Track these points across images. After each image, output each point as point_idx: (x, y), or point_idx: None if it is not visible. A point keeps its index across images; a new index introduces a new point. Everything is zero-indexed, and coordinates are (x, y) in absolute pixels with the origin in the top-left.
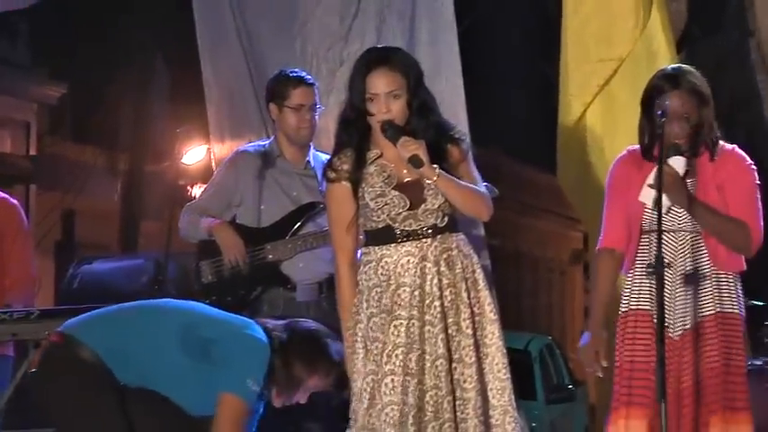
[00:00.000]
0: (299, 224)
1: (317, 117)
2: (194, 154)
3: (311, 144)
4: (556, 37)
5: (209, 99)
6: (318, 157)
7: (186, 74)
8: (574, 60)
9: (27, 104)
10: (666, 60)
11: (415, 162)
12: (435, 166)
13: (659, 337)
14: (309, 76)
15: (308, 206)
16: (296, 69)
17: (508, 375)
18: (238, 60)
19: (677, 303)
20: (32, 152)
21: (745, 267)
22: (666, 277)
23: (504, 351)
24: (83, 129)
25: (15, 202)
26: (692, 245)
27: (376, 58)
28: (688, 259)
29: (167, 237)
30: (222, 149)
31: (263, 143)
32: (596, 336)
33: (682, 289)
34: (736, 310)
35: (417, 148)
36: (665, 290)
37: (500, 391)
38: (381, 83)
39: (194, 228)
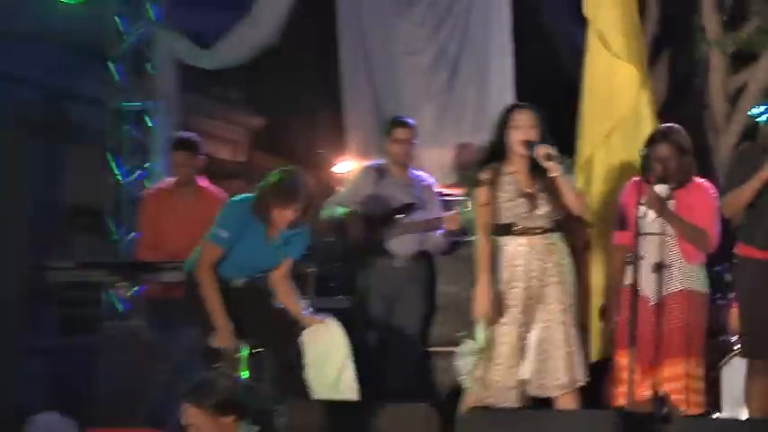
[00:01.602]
0: (400, 216)
1: (413, 149)
2: (342, 166)
3: (409, 164)
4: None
5: (350, 127)
6: (415, 173)
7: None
8: (589, 115)
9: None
10: (648, 118)
11: (548, 156)
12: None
13: (633, 304)
14: (411, 120)
15: (407, 205)
16: (402, 115)
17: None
18: (370, 100)
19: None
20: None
21: (705, 260)
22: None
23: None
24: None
25: (225, 194)
26: (667, 244)
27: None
28: (664, 254)
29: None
30: (356, 164)
31: (381, 162)
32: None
33: (655, 273)
34: (700, 288)
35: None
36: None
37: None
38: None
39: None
